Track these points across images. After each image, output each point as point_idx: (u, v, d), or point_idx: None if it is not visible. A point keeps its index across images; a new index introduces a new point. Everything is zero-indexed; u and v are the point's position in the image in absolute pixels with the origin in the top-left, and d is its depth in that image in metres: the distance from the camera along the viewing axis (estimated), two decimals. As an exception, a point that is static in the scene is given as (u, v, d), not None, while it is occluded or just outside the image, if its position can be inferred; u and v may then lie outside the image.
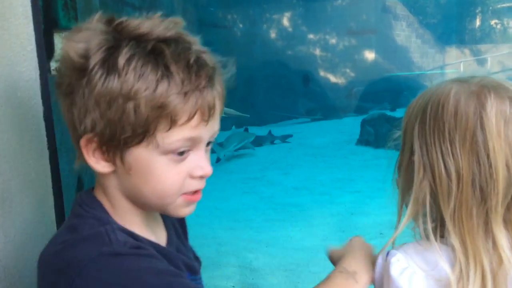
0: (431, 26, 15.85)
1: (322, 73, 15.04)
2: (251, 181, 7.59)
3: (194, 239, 4.37)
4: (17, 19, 1.25)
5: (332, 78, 15.23)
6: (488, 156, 0.93)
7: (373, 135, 9.98)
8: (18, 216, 1.22)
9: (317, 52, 14.95)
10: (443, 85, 1.05)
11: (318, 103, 14.35)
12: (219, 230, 5.25)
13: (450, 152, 0.97)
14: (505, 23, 17.43)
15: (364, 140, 10.28)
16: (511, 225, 0.96)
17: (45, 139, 1.40)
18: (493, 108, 0.94)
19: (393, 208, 4.54)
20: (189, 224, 4.88)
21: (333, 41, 15.02)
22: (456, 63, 16.10)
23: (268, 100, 13.56)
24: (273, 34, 14.50)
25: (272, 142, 10.88)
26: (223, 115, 3.30)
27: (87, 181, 3.22)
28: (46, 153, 1.40)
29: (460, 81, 1.03)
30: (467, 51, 16.39)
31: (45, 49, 1.43)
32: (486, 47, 16.43)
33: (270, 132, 11.08)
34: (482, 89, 0.97)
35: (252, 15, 14.14)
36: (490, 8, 17.18)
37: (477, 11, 17.26)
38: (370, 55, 15.24)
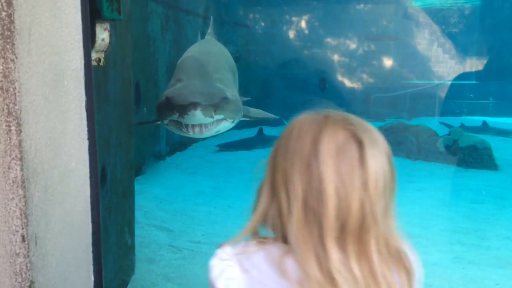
0: (453, 36, 15.67)
1: (339, 77, 14.97)
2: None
3: (207, 237, 4.35)
4: (67, 7, 1.26)
5: (349, 83, 15.15)
6: (320, 182, 0.97)
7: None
8: (58, 204, 1.22)
9: (336, 55, 14.88)
10: (302, 114, 1.10)
11: (333, 107, 14.25)
12: (232, 229, 5.22)
13: (291, 175, 1.00)
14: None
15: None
16: (345, 245, 0.99)
17: (86, 129, 1.40)
18: (327, 138, 0.99)
19: (408, 218, 4.49)
20: (201, 221, 4.89)
21: (352, 45, 14.95)
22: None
23: (284, 100, 13.51)
24: (292, 35, 14.47)
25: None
26: (250, 118, 3.23)
27: (110, 171, 3.24)
28: (85, 144, 1.40)
29: (314, 112, 1.09)
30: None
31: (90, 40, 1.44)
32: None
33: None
34: (323, 120, 1.03)
35: (273, 15, 14.12)
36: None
37: (501, 23, 17.00)
38: (389, 62, 15.13)
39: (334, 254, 0.97)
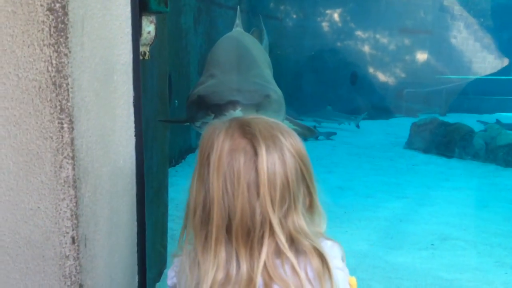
0: (491, 30, 15.11)
1: (371, 71, 14.67)
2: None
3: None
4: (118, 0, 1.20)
5: (381, 77, 14.83)
6: (207, 190, 1.01)
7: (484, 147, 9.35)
8: (107, 204, 1.18)
9: (368, 49, 14.57)
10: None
11: (365, 102, 14.01)
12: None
13: (194, 180, 1.07)
14: None
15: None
16: (230, 244, 1.02)
17: (133, 125, 1.35)
18: (219, 145, 1.01)
19: (444, 218, 4.33)
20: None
21: (385, 39, 14.61)
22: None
23: (314, 95, 13.36)
24: (324, 28, 14.24)
25: (316, 138, 10.72)
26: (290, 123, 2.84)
27: (146, 165, 3.21)
28: (132, 141, 1.36)
29: (235, 117, 1.12)
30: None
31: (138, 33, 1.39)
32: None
33: (315, 127, 10.92)
34: (223, 128, 1.05)
35: (305, 8, 13.92)
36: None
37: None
38: (422, 56, 14.73)
39: (222, 254, 1.01)
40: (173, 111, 7.69)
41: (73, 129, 0.98)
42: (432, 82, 14.28)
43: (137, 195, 1.37)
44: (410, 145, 10.01)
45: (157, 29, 1.65)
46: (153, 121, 3.29)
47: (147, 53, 1.67)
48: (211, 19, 9.60)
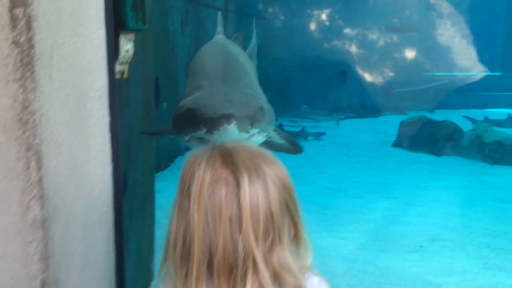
0: (477, 27, 15.20)
1: (360, 70, 14.69)
2: (284, 178, 7.45)
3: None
4: (91, 23, 1.15)
5: (370, 75, 14.86)
6: (188, 223, 0.97)
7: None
8: (80, 239, 1.13)
9: (356, 48, 14.59)
10: (199, 148, 1.09)
11: (354, 100, 14.04)
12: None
13: (174, 212, 1.02)
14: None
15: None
16: (212, 281, 0.98)
17: (110, 151, 1.30)
18: (200, 176, 0.97)
19: (433, 219, 4.33)
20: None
21: (373, 37, 14.63)
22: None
23: (304, 94, 13.35)
24: (312, 28, 14.21)
25: (305, 139, 10.70)
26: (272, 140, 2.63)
27: (131, 176, 3.16)
28: (109, 168, 1.31)
29: (210, 146, 1.07)
30: (513, 54, 15.68)
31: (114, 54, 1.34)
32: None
33: (303, 128, 10.90)
34: (205, 156, 1.01)
35: (292, 8, 13.88)
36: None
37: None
38: (410, 54, 14.78)
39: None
40: (162, 114, 7.63)
41: (41, 167, 0.93)
42: (420, 79, 14.35)
43: (114, 223, 1.32)
44: (398, 143, 10.04)
45: (135, 46, 1.60)
46: (138, 130, 3.23)
47: (126, 72, 1.62)
48: (199, 20, 9.52)
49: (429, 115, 10.85)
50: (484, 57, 15.55)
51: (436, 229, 5.10)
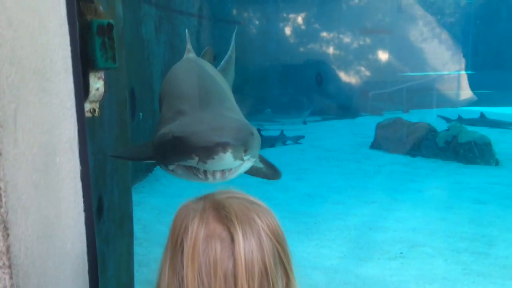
0: (448, 28, 15.52)
1: (335, 72, 14.82)
2: (264, 185, 7.43)
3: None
4: (58, 75, 1.11)
5: (346, 77, 15.01)
6: (182, 279, 0.95)
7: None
8: (54, 299, 1.09)
9: (331, 51, 14.72)
10: (189, 199, 1.07)
11: (331, 102, 14.17)
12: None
13: (165, 266, 0.99)
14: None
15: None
16: None
17: (82, 200, 1.26)
18: (193, 232, 0.95)
19: (412, 223, 4.39)
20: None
21: (347, 40, 14.78)
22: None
23: (280, 97, 13.39)
24: (287, 32, 14.28)
25: (284, 143, 10.73)
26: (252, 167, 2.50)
27: (107, 199, 3.10)
28: (82, 216, 1.27)
29: (202, 196, 1.06)
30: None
31: (83, 96, 1.30)
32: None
33: (282, 132, 10.93)
34: (197, 209, 0.99)
35: (267, 13, 13.92)
36: (510, 9, 16.77)
37: (496, 12, 16.86)
38: (384, 55, 15.00)
39: None
40: (138, 124, 7.53)
41: (8, 235, 0.89)
42: (394, 80, 14.57)
43: (89, 272, 1.28)
44: (376, 145, 10.17)
45: (106, 84, 1.56)
46: (113, 152, 3.17)
47: (97, 110, 1.58)
48: (173, 27, 9.45)
49: (404, 116, 11.01)
50: (455, 57, 15.89)
51: (414, 235, 5.18)
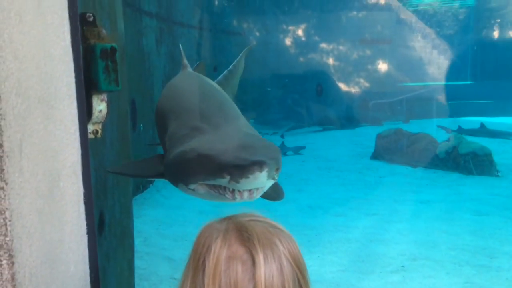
0: (447, 38, 15.61)
1: (336, 83, 14.88)
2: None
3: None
4: (62, 101, 1.13)
5: (346, 88, 15.07)
6: None
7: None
8: (57, 324, 1.10)
9: (331, 62, 14.79)
10: (213, 220, 1.09)
11: (331, 113, 14.21)
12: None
13: (186, 285, 1.00)
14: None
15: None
16: None
17: (85, 223, 1.28)
18: (215, 253, 0.96)
19: (413, 235, 4.38)
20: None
21: (347, 51, 14.87)
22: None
23: (281, 108, 13.43)
24: (287, 43, 14.37)
25: (285, 154, 10.74)
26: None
27: (108, 214, 3.11)
28: (85, 239, 1.28)
29: (225, 218, 1.07)
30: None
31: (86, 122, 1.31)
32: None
33: (283, 143, 10.95)
34: (221, 230, 1.00)
35: (267, 24, 14.02)
36: (509, 20, 16.90)
37: (496, 23, 16.98)
38: (384, 66, 15.07)
39: None
40: (139, 136, 7.55)
41: (13, 263, 0.91)
42: (394, 91, 14.62)
43: (92, 294, 1.29)
44: (376, 156, 10.18)
45: (109, 106, 1.58)
46: (114, 166, 3.19)
47: (100, 131, 1.60)
48: (174, 39, 9.52)
49: (404, 126, 11.04)
50: (454, 67, 15.95)
51: (416, 247, 5.17)
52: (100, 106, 1.52)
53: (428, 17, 15.40)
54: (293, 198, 7.41)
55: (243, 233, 0.99)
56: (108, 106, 1.56)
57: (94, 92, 1.51)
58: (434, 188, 7.97)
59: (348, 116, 14.40)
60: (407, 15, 14.98)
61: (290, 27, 14.38)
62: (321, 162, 10.23)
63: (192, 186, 2.11)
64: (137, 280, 3.86)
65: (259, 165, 1.86)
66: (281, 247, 0.99)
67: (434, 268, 4.59)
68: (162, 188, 7.96)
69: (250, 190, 2.00)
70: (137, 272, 4.02)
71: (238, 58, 4.16)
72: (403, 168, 9.44)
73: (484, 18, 16.32)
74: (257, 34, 13.95)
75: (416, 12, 15.15)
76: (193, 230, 4.48)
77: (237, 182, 1.90)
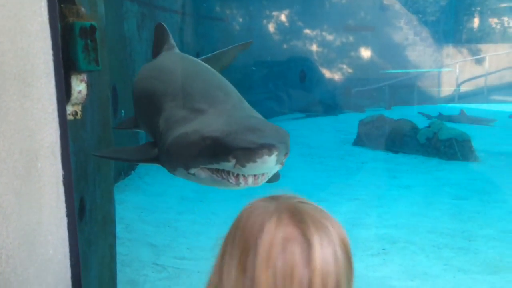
0: (429, 25, 15.72)
1: (319, 69, 14.89)
2: (247, 182, 7.44)
3: (192, 251, 4.19)
4: (39, 79, 1.10)
5: (329, 74, 15.09)
6: (252, 280, 0.89)
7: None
8: (37, 307, 1.08)
9: (315, 48, 14.77)
10: (257, 199, 1.02)
11: (314, 99, 14.24)
12: (217, 240, 5.09)
13: (232, 266, 0.94)
14: (505, 23, 17.36)
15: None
16: None
17: (64, 205, 1.25)
18: (269, 233, 0.91)
19: (394, 220, 4.44)
20: (185, 232, 4.65)
21: (330, 37, 14.86)
22: (453, 63, 16.04)
23: (264, 95, 13.39)
24: (270, 29, 14.27)
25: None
26: None
27: (89, 200, 3.07)
28: (64, 221, 1.25)
29: (270, 198, 1.01)
30: (465, 50, 16.32)
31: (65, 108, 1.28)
32: (485, 47, 16.38)
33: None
34: (271, 212, 0.94)
35: (250, 10, 13.89)
36: (489, 7, 17.10)
37: (476, 10, 17.17)
38: (367, 53, 15.12)
39: None
40: (120, 122, 7.45)
41: (-11, 244, 0.88)
42: (377, 77, 14.70)
43: (72, 278, 1.27)
44: (359, 142, 10.27)
45: (88, 86, 1.54)
46: (95, 151, 3.14)
47: (79, 112, 1.56)
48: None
49: (386, 113, 11.13)
50: (435, 54, 16.10)
51: (396, 231, 5.25)
52: (79, 86, 1.48)
53: (410, 3, 15.47)
54: (275, 184, 7.41)
55: (296, 215, 0.93)
56: (88, 87, 1.52)
57: (73, 72, 1.47)
58: (415, 173, 8.08)
59: (331, 102, 14.45)
60: (390, 1, 15.01)
61: (274, 13, 14.28)
62: (304, 148, 10.27)
63: (192, 171, 1.97)
64: (119, 266, 3.84)
65: (268, 148, 1.74)
66: (333, 232, 0.94)
67: (414, 251, 4.67)
68: (145, 174, 7.90)
69: (255, 176, 1.87)
70: (119, 258, 3.99)
71: (230, 47, 3.93)
72: (385, 154, 9.54)
73: (465, 4, 16.48)
74: (240, 20, 13.82)
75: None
76: (175, 216, 4.48)
77: (243, 166, 1.77)
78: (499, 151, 9.47)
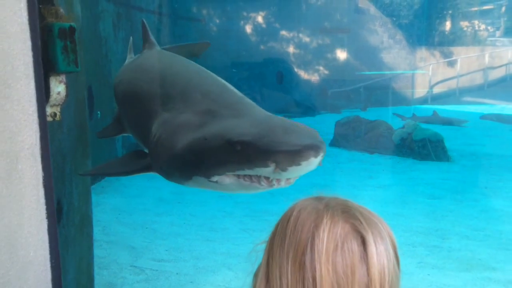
0: (404, 28, 16.04)
1: (296, 71, 15.00)
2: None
3: (170, 253, 4.17)
4: (19, 81, 1.09)
5: (306, 76, 15.22)
6: (314, 278, 0.89)
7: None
8: (18, 309, 1.07)
9: (291, 49, 14.88)
10: (301, 199, 1.03)
11: (291, 100, 14.34)
12: (196, 241, 5.09)
13: (284, 267, 0.93)
14: (475, 26, 17.85)
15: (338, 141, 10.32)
16: None
17: (44, 207, 1.24)
18: (325, 233, 0.90)
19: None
20: (164, 234, 4.62)
21: (306, 39, 14.99)
22: (426, 65, 16.40)
23: (242, 91, 13.42)
24: (248, 31, 14.31)
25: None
26: None
27: (66, 202, 3.03)
28: (44, 223, 1.25)
29: (315, 198, 1.01)
30: (437, 52, 16.71)
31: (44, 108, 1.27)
32: (456, 50, 16.80)
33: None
34: (322, 211, 0.94)
35: (228, 11, 13.91)
36: (460, 11, 17.55)
37: (448, 14, 17.59)
38: (343, 55, 15.31)
39: None
40: (96, 124, 7.35)
41: (-30, 247, 0.87)
42: (353, 79, 14.90)
43: (52, 280, 1.27)
44: (335, 142, 10.39)
45: (68, 88, 1.53)
46: (72, 153, 3.10)
47: (58, 114, 1.55)
48: (132, 24, 9.27)
49: (362, 114, 11.30)
50: (410, 56, 16.42)
51: (373, 230, 5.34)
52: (58, 87, 1.48)
53: (384, 6, 15.74)
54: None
55: (348, 212, 0.93)
56: (67, 89, 1.52)
57: (52, 73, 1.47)
58: (390, 173, 8.24)
59: (308, 104, 14.58)
60: (365, 4, 15.24)
61: (251, 14, 14.32)
62: (282, 149, 10.32)
63: (215, 178, 1.80)
64: (96, 269, 3.80)
65: (314, 150, 1.61)
66: (383, 229, 0.94)
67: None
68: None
69: (287, 178, 1.76)
70: (97, 261, 3.95)
71: (188, 44, 3.86)
72: (361, 155, 9.69)
73: (438, 8, 16.86)
74: (217, 21, 13.81)
75: (374, 1, 15.44)
76: (153, 218, 4.45)
77: (285, 170, 1.62)
78: (471, 151, 9.73)
